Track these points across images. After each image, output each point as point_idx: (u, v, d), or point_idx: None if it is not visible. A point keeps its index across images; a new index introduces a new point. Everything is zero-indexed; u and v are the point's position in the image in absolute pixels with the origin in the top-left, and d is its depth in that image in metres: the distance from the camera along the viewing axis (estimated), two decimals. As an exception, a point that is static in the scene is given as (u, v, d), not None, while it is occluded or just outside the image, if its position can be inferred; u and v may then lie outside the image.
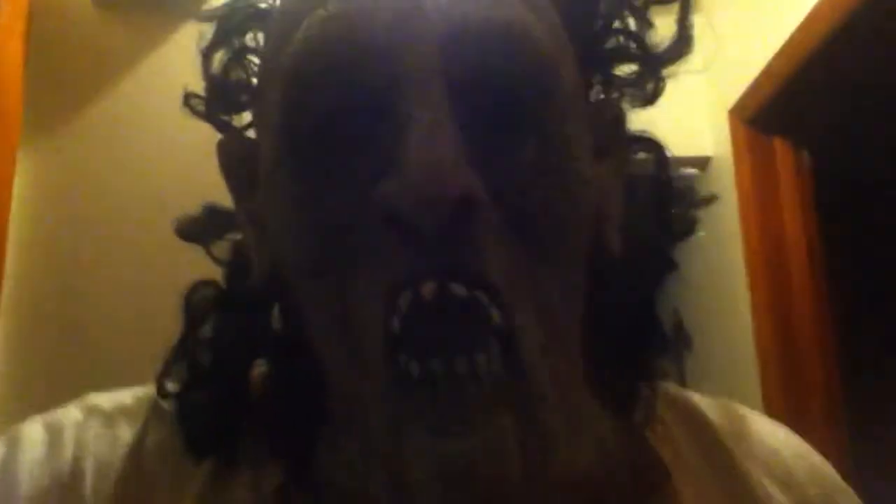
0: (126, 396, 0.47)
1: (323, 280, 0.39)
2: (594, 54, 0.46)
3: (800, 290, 2.09)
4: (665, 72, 0.48)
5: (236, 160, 0.47)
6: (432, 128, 0.35)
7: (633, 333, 0.47)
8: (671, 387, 0.50)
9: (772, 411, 2.07)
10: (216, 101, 0.49)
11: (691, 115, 2.41)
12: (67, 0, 1.53)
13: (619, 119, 0.47)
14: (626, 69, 0.48)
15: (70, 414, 0.46)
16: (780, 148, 2.15)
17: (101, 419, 0.45)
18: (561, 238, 0.39)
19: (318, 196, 0.39)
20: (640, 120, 0.50)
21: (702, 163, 2.48)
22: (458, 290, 0.35)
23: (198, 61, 0.49)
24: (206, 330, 0.46)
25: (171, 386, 0.46)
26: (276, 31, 0.43)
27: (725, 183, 2.33)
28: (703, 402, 0.52)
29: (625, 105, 0.48)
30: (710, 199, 0.54)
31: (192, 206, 0.50)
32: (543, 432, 0.36)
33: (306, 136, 0.39)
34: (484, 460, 0.34)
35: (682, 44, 0.48)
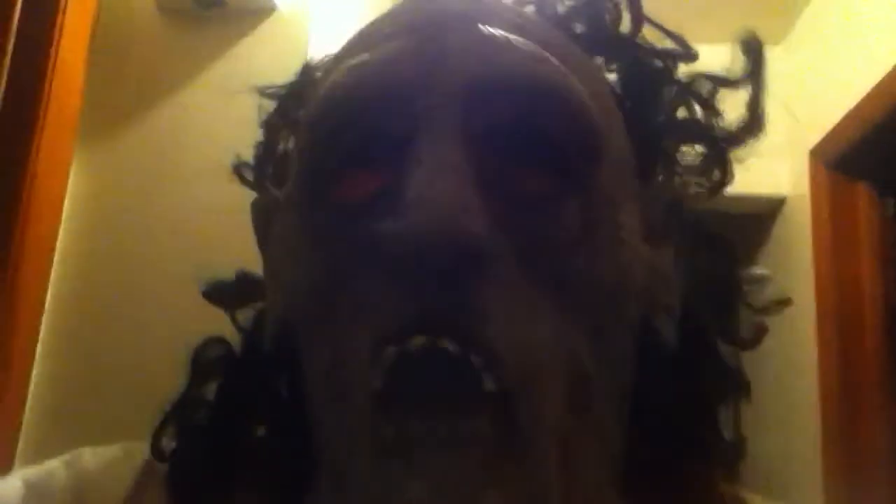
0: (116, 457, 0.45)
1: (318, 330, 0.36)
2: (653, 137, 0.43)
3: (871, 342, 1.98)
4: (734, 155, 0.45)
5: (264, 217, 0.46)
6: (438, 169, 0.32)
7: (683, 443, 0.42)
8: (734, 491, 0.45)
9: (830, 477, 1.96)
10: (262, 170, 0.49)
11: (769, 154, 2.34)
12: (133, 5, 1.55)
13: (678, 205, 0.43)
14: (691, 153, 0.45)
15: (55, 475, 0.43)
16: (862, 193, 2.06)
17: (90, 482, 0.43)
18: (603, 309, 0.35)
19: (325, 239, 0.37)
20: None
21: (777, 203, 2.41)
22: (449, 346, 0.31)
23: (256, 78, 0.50)
24: (209, 390, 0.44)
25: (165, 445, 0.44)
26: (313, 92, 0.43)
27: (800, 225, 2.26)
28: None
29: (691, 192, 0.45)
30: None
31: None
32: None
33: (320, 180, 0.37)
34: None
35: (751, 127, 0.44)
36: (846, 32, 2.09)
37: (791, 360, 2.26)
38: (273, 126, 0.48)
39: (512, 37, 0.37)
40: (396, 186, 0.33)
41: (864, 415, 1.95)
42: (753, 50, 0.44)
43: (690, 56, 0.45)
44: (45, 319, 1.39)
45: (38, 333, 1.38)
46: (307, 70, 0.48)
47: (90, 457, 0.45)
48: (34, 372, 1.37)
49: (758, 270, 0.47)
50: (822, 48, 2.22)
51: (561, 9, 0.44)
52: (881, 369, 1.96)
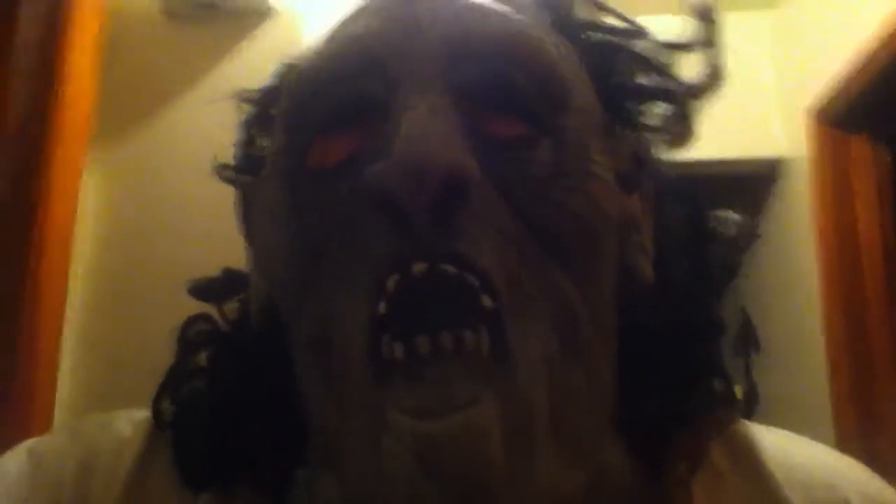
0: (120, 425, 0.46)
1: (309, 283, 0.38)
2: (616, 94, 0.46)
3: (874, 293, 2.02)
4: (698, 107, 0.47)
5: (246, 204, 0.47)
6: (423, 112, 0.35)
7: (672, 376, 0.43)
8: (741, 429, 0.46)
9: (841, 417, 2.03)
10: (241, 167, 0.50)
11: (764, 117, 2.37)
12: (138, 10, 1.57)
13: (645, 156, 0.46)
14: (654, 110, 0.47)
15: (60, 445, 0.44)
16: (858, 146, 2.09)
17: (96, 451, 0.44)
18: (581, 241, 0.37)
19: (308, 200, 0.38)
20: (714, 122, 0.49)
21: (775, 164, 2.43)
22: (448, 269, 0.33)
23: (256, 77, 0.50)
24: (199, 361, 0.46)
25: (166, 415, 0.45)
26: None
27: (800, 184, 2.28)
28: (771, 445, 0.46)
29: (657, 145, 0.47)
30: (752, 238, 0.51)
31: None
32: (527, 430, 0.34)
33: (301, 145, 0.39)
34: (464, 442, 0.32)
35: (709, 84, 0.46)
36: None
37: (797, 318, 2.30)
38: (251, 125, 0.49)
39: (483, 1, 0.40)
40: (379, 142, 0.35)
41: (871, 351, 1.99)
42: (705, 13, 0.46)
43: (643, 34, 0.47)
44: (66, 319, 1.41)
45: (60, 333, 1.39)
46: (283, 71, 0.49)
47: (94, 426, 0.46)
48: (59, 371, 1.39)
49: (724, 213, 0.48)
50: (812, 8, 2.23)
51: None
52: (884, 309, 2.00)
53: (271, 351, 0.42)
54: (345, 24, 0.42)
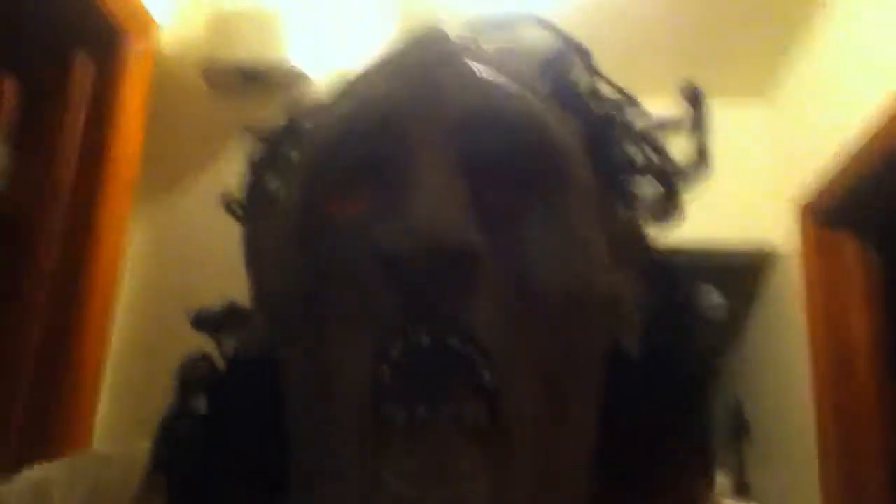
0: (122, 461, 0.47)
1: (309, 334, 0.38)
2: (611, 169, 0.47)
3: (865, 390, 2.04)
4: (688, 191, 0.48)
5: (254, 245, 0.49)
6: (437, 182, 0.36)
7: (651, 446, 0.44)
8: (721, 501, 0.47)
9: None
10: (251, 207, 0.51)
11: (757, 207, 2.41)
12: (183, 80, 1.66)
13: (636, 233, 0.48)
14: (646, 188, 0.48)
15: (62, 478, 0.45)
16: (849, 246, 2.14)
17: (98, 485, 0.45)
18: (573, 316, 0.38)
19: (318, 246, 0.39)
20: (705, 210, 0.51)
21: (766, 256, 2.47)
22: (453, 342, 0.34)
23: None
24: (199, 404, 0.46)
25: (163, 456, 0.45)
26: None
27: (791, 278, 2.31)
28: None
29: (647, 223, 0.49)
30: (737, 322, 0.55)
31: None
32: (517, 502, 0.35)
33: (316, 196, 0.40)
34: None
35: (697, 165, 0.47)
36: (828, 84, 2.13)
37: (790, 411, 2.30)
38: (261, 166, 0.50)
39: (496, 74, 0.41)
40: (390, 205, 0.36)
41: (861, 448, 2.00)
42: (693, 97, 0.48)
43: (638, 108, 0.48)
44: (109, 361, 1.48)
45: (103, 371, 1.48)
46: (293, 116, 0.50)
47: (96, 462, 0.46)
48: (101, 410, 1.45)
49: (709, 294, 0.49)
50: (806, 100, 2.27)
51: (526, 65, 0.47)
52: (875, 407, 2.02)
53: (266, 392, 0.42)
54: (364, 79, 0.43)
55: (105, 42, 1.49)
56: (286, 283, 0.40)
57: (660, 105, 0.48)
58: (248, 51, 1.57)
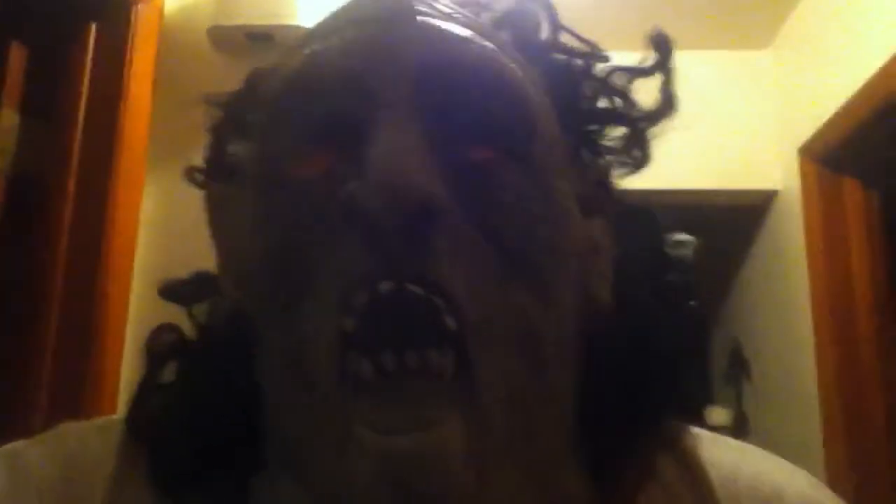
0: (98, 435, 0.45)
1: (277, 296, 0.38)
2: (577, 119, 0.46)
3: (865, 327, 2.09)
4: (656, 131, 0.48)
5: (218, 207, 0.48)
6: (399, 137, 0.35)
7: (627, 394, 0.43)
8: (691, 440, 0.46)
9: (830, 446, 2.09)
10: (212, 171, 0.49)
11: (760, 151, 2.45)
12: (191, 43, 1.66)
13: (605, 181, 0.47)
14: (613, 135, 0.48)
15: (35, 452, 0.44)
16: (850, 187, 2.18)
17: (75, 460, 0.44)
18: (546, 264, 0.38)
19: (281, 211, 0.38)
20: (708, 153, 0.53)
21: (769, 197, 2.51)
22: (415, 289, 0.34)
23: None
24: (169, 373, 0.45)
25: (139, 428, 0.44)
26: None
27: (792, 218, 2.35)
28: (719, 457, 0.47)
29: (615, 170, 0.48)
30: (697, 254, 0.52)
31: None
32: (488, 450, 0.35)
33: (277, 158, 0.39)
34: (428, 460, 0.33)
35: (662, 108, 0.47)
36: (831, 35, 2.16)
37: (790, 347, 2.35)
38: (221, 130, 0.49)
39: (455, 25, 0.41)
40: (352, 162, 0.36)
41: (862, 397, 2.05)
42: (661, 44, 0.48)
43: (604, 58, 0.48)
44: (129, 327, 1.52)
45: (124, 332, 1.52)
46: (252, 77, 0.49)
47: (72, 437, 0.45)
48: (122, 374, 1.49)
49: (680, 235, 0.49)
50: (809, 51, 2.30)
51: (485, 19, 0.46)
52: (875, 343, 2.07)
53: (237, 358, 0.42)
54: (321, 35, 0.42)
55: (113, 8, 1.50)
56: (251, 247, 0.40)
57: (624, 57, 0.48)
58: (254, 12, 1.57)
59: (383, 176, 0.34)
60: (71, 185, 1.48)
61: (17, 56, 1.45)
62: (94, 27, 1.51)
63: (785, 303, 2.44)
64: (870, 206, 2.18)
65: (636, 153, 0.47)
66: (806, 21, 2.33)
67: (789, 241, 2.39)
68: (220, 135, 0.49)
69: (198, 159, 0.50)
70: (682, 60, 0.48)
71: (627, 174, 0.48)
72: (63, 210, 1.47)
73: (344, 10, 0.43)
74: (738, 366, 2.77)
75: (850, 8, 2.07)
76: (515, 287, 0.37)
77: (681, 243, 0.49)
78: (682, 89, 0.48)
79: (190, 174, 0.50)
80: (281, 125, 0.40)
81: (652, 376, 0.44)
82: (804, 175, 2.27)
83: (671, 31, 0.49)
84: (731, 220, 2.68)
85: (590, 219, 0.44)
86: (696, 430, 0.47)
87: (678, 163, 1.51)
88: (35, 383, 1.39)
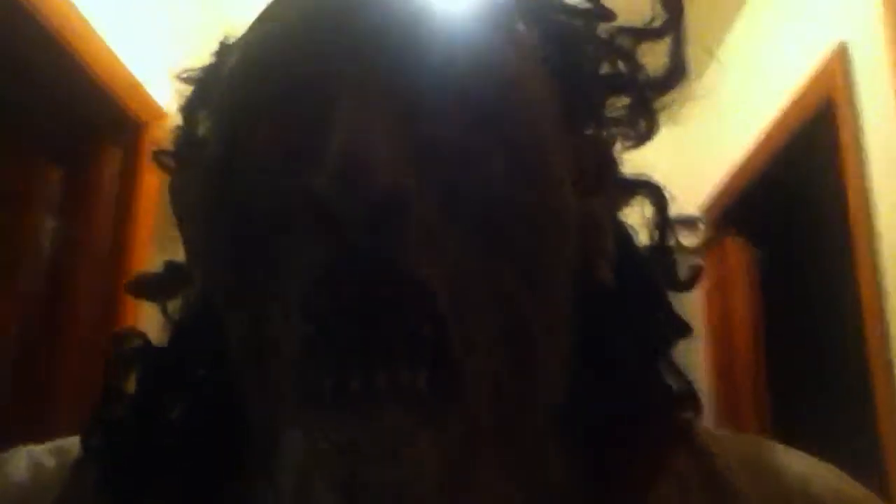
0: (46, 460, 0.42)
1: (239, 290, 0.35)
2: (578, 91, 0.42)
3: (743, 350, 2.62)
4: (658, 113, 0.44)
5: (183, 194, 0.44)
6: (361, 117, 0.32)
7: (628, 377, 0.40)
8: (702, 432, 0.43)
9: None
10: (181, 154, 0.45)
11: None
12: None
13: (608, 156, 0.44)
14: (616, 108, 0.44)
15: None
16: (733, 245, 2.64)
17: (16, 491, 0.40)
18: (534, 244, 0.35)
19: (241, 198, 0.35)
20: None
21: None
22: (383, 291, 0.30)
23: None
24: (129, 383, 0.42)
25: (95, 442, 0.40)
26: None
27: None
28: (725, 443, 0.43)
29: (619, 145, 0.45)
30: (715, 241, 0.46)
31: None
32: (468, 454, 0.31)
33: (236, 139, 0.36)
34: (396, 482, 0.29)
35: (672, 73, 0.43)
36: (723, 112, 2.42)
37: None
38: (191, 109, 0.45)
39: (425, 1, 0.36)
40: (315, 143, 0.32)
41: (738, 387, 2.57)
42: (671, 3, 0.44)
43: (609, 16, 0.44)
44: None
45: None
46: (221, 52, 0.45)
47: (23, 459, 0.42)
48: None
49: (689, 212, 0.44)
50: (706, 118, 2.67)
51: None
52: (753, 378, 2.59)
53: (205, 359, 0.39)
54: (284, 4, 0.39)
55: (126, 131, 1.82)
56: (209, 238, 0.37)
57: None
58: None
59: (342, 162, 0.30)
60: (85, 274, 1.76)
61: (53, 176, 1.78)
62: (111, 149, 1.82)
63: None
64: (751, 258, 2.65)
65: (642, 124, 0.44)
66: (707, 96, 2.69)
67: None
68: (187, 114, 0.45)
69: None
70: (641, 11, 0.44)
71: (632, 147, 0.44)
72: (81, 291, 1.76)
73: None
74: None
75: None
76: (500, 273, 0.33)
77: (689, 220, 0.45)
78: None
79: (157, 157, 0.46)
80: (238, 104, 0.36)
81: (659, 362, 0.41)
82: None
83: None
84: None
85: (589, 195, 0.41)
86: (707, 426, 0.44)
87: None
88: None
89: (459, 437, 0.31)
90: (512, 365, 0.33)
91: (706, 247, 0.47)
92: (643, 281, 0.42)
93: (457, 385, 0.31)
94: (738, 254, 2.65)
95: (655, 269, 0.44)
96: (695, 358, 2.63)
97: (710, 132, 2.55)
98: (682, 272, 0.45)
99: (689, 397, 0.42)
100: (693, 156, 2.71)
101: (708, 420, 0.42)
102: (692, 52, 0.44)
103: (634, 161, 0.45)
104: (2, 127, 1.58)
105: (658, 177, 0.45)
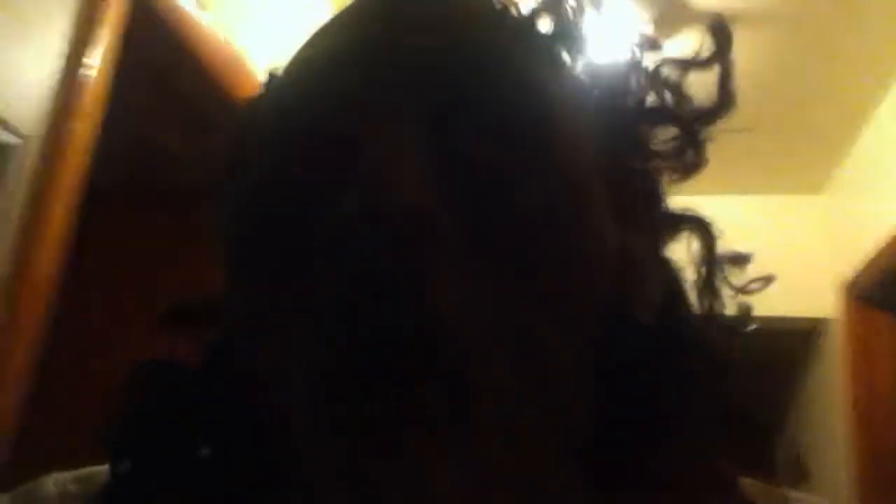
0: (73, 488, 0.43)
1: (267, 320, 0.34)
2: (624, 121, 0.42)
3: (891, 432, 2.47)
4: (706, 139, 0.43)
5: (224, 231, 0.42)
6: (391, 147, 0.31)
7: (671, 429, 0.38)
8: (756, 486, 0.41)
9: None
10: (220, 187, 0.43)
11: (812, 283, 2.84)
12: None
13: (653, 190, 0.43)
14: (663, 135, 0.43)
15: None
16: (881, 317, 2.53)
17: None
18: (559, 279, 0.33)
19: (273, 234, 0.34)
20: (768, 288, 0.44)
21: (817, 324, 2.85)
22: (404, 321, 0.29)
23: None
24: (151, 410, 0.41)
25: (124, 469, 0.40)
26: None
27: (835, 342, 2.74)
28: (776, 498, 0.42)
29: (666, 178, 0.43)
30: (768, 280, 0.44)
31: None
32: (486, 489, 0.31)
33: (274, 178, 0.35)
34: None
35: (721, 105, 0.42)
36: (880, 179, 2.49)
37: (827, 454, 2.71)
38: (232, 146, 0.44)
39: (465, 16, 0.37)
40: (348, 173, 0.31)
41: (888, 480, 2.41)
42: (720, 30, 0.43)
43: (654, 45, 0.62)
44: None
45: None
46: (267, 83, 0.45)
47: (47, 488, 0.43)
48: None
49: (738, 249, 0.43)
50: (855, 194, 2.64)
51: (525, 9, 0.42)
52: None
53: (241, 383, 0.38)
54: (315, 38, 0.39)
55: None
56: (248, 268, 0.36)
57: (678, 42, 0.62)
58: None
59: (368, 182, 0.30)
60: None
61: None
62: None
63: (828, 421, 2.75)
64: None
65: (688, 157, 0.43)
66: (857, 166, 2.67)
67: (833, 364, 2.72)
68: (231, 148, 0.44)
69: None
70: (739, 205, 0.63)
71: (678, 181, 0.43)
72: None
73: (340, 13, 0.39)
74: (799, 475, 2.90)
75: (890, 154, 2.46)
76: (525, 306, 0.32)
77: (738, 258, 0.43)
78: (734, 232, 0.44)
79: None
80: (275, 135, 0.37)
81: (704, 413, 0.39)
82: (845, 307, 2.66)
83: (729, 177, 0.61)
84: (786, 343, 2.89)
85: (632, 229, 0.39)
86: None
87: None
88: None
89: (479, 468, 0.31)
90: (534, 399, 0.33)
91: (757, 285, 0.45)
92: (684, 320, 0.41)
93: (477, 415, 0.31)
94: (883, 329, 2.53)
95: (700, 308, 0.42)
96: (836, 431, 2.56)
97: (860, 202, 2.75)
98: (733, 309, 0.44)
99: (732, 444, 0.40)
100: (842, 225, 2.88)
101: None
102: (842, 113, 0.48)
103: (781, 225, 0.46)
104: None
105: (802, 244, 0.48)
